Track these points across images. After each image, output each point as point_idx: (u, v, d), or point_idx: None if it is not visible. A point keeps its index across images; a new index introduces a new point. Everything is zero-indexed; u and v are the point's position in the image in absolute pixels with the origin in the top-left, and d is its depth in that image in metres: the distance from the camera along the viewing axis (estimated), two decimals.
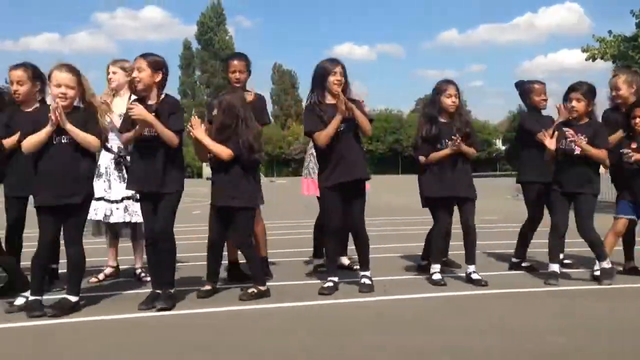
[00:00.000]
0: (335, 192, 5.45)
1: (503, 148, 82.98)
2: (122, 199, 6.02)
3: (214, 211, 5.45)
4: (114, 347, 3.93)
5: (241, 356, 3.76)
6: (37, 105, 5.42)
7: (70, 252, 4.81)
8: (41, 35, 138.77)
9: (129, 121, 5.04)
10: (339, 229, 5.59)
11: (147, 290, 5.20)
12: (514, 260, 6.66)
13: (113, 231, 6.23)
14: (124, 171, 5.99)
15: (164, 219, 5.05)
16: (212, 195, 5.42)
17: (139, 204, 5.91)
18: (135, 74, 5.07)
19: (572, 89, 5.85)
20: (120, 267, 6.36)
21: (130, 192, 5.89)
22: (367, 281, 5.52)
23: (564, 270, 6.11)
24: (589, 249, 5.84)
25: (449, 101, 5.84)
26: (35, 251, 4.77)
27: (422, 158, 5.91)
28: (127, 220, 6.05)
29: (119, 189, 5.98)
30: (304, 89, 6.12)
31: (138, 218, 5.88)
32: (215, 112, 5.37)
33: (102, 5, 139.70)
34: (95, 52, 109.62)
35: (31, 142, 4.73)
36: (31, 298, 4.75)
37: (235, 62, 6.13)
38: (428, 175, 5.94)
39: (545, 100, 6.56)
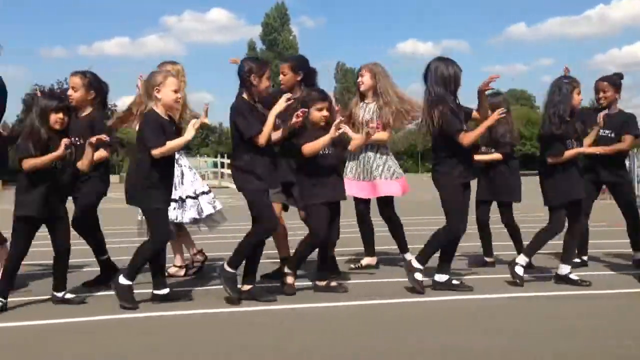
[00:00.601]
0: (465, 190, 5.49)
1: None
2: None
3: (329, 208, 5.47)
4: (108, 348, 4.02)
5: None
6: (90, 110, 5.74)
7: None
8: (113, 40, 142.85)
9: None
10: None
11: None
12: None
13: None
14: None
15: None
16: (328, 193, 5.43)
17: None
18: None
19: None
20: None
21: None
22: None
23: None
24: None
25: (579, 98, 5.76)
26: (155, 250, 5.09)
27: (550, 159, 5.72)
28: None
29: None
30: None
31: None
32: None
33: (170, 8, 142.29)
34: (166, 55, 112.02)
35: (171, 147, 4.98)
36: (129, 284, 5.04)
37: (281, 65, 6.27)
38: (559, 177, 5.71)
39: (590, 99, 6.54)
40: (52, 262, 5.20)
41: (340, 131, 5.28)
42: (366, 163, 6.44)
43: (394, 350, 3.85)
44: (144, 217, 6.19)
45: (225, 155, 43.69)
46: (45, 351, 3.96)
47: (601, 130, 6.24)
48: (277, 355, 3.82)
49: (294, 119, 5.19)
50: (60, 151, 4.93)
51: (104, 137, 5.15)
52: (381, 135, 6.24)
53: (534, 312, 4.82)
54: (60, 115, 5.04)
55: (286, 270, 5.51)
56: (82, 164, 5.20)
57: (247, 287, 5.23)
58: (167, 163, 5.10)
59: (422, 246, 5.54)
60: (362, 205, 6.60)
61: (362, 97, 6.53)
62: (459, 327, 4.35)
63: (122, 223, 9.17)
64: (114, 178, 50.35)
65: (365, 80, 6.41)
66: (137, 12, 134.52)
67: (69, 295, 5.19)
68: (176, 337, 4.22)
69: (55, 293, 5.16)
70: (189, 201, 6.16)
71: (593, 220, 6.94)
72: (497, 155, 6.52)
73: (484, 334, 4.18)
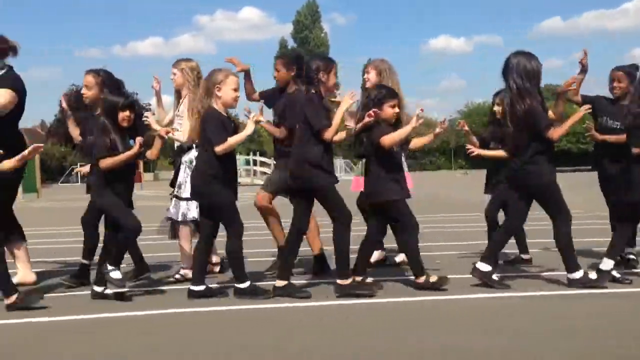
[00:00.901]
0: None
1: None
2: None
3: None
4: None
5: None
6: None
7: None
8: (147, 40, 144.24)
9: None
10: None
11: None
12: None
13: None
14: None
15: None
16: (400, 190, 5.46)
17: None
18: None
19: None
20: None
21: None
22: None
23: None
24: None
25: None
26: (238, 243, 5.20)
27: (637, 150, 5.53)
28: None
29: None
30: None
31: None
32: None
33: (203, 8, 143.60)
34: (198, 54, 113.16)
35: (233, 143, 5.14)
36: (248, 284, 5.22)
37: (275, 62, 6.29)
38: None
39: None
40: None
41: (421, 121, 5.29)
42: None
43: (394, 350, 3.83)
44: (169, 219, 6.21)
45: (258, 153, 43.90)
46: (45, 351, 3.99)
47: (610, 121, 6.17)
48: (277, 355, 3.82)
49: (366, 118, 5.21)
50: (135, 149, 5.09)
51: (170, 129, 5.29)
52: None
53: (536, 311, 4.76)
54: (127, 112, 5.19)
55: (420, 280, 5.43)
56: (152, 154, 5.39)
57: (282, 283, 5.27)
58: (230, 158, 5.22)
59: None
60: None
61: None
62: (459, 327, 4.31)
63: (151, 221, 9.20)
64: (147, 176, 50.40)
65: (371, 77, 6.39)
66: (171, 12, 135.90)
67: (108, 291, 5.27)
68: (176, 336, 4.23)
69: (95, 287, 5.25)
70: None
71: None
72: (500, 153, 6.40)
73: (484, 334, 4.14)
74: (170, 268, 6.77)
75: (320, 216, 5.92)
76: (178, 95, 6.28)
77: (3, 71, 5.58)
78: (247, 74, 6.43)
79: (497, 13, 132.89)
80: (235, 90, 5.21)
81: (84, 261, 5.96)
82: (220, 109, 5.19)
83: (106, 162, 5.09)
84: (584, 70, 6.16)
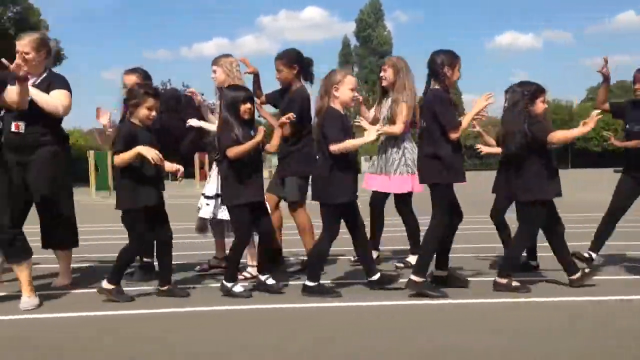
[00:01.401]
0: None
1: None
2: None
3: None
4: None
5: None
6: None
7: None
8: (211, 41, 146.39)
9: None
10: None
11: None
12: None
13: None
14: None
15: None
16: (554, 188, 5.40)
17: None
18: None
19: None
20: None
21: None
22: None
23: None
24: None
25: None
26: (327, 245, 5.29)
27: None
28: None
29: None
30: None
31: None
32: None
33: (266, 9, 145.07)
34: (261, 54, 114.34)
35: (349, 146, 5.14)
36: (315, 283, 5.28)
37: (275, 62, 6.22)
38: None
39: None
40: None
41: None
42: (387, 158, 6.34)
43: (394, 350, 3.79)
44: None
45: None
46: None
47: (637, 126, 5.97)
48: (277, 355, 3.82)
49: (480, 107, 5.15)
50: (260, 135, 5.20)
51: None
52: (392, 129, 6.13)
53: (536, 312, 4.69)
54: (248, 105, 5.29)
55: (502, 281, 5.32)
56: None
57: (419, 279, 5.14)
58: (347, 157, 5.17)
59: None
60: (377, 197, 6.52)
61: (385, 92, 6.44)
62: (458, 328, 4.26)
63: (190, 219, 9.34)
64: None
65: (388, 76, 6.30)
66: (235, 13, 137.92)
67: (237, 288, 5.31)
68: (175, 336, 4.24)
69: (260, 276, 5.39)
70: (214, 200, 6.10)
71: None
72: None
73: (484, 333, 4.07)
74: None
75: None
76: (221, 93, 6.30)
77: (46, 73, 5.63)
78: (256, 76, 6.36)
79: (567, 8, 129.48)
80: (353, 90, 5.21)
81: (145, 259, 6.10)
82: (338, 109, 5.21)
83: (233, 151, 5.15)
84: (606, 79, 5.98)
